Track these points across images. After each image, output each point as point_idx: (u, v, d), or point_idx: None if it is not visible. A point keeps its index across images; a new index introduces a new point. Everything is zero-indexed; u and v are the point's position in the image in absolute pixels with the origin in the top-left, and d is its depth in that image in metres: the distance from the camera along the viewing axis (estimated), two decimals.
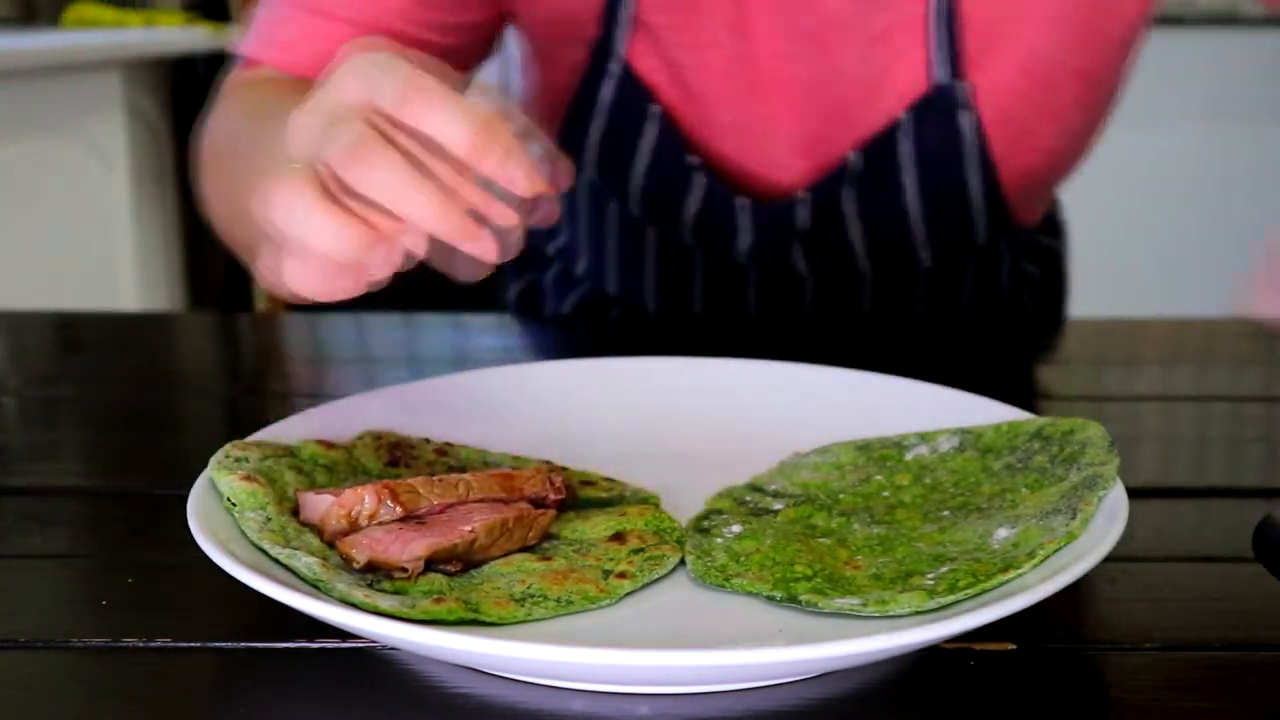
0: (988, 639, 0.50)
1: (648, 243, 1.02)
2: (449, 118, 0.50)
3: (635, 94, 0.91)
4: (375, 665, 0.48)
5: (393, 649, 0.49)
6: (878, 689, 0.47)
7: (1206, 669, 0.49)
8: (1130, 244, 2.70)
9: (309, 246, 0.51)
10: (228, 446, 0.56)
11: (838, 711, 0.46)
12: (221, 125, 0.82)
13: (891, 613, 0.48)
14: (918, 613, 0.48)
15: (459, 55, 0.88)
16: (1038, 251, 1.10)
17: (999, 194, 0.92)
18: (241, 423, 0.79)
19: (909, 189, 0.91)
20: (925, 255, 0.95)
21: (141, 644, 0.50)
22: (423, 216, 0.50)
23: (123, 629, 0.51)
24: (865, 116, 0.90)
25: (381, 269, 0.52)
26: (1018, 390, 0.85)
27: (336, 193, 0.51)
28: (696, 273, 1.01)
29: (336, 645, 0.50)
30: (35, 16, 2.95)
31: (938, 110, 0.88)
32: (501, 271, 1.25)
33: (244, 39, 0.88)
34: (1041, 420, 0.61)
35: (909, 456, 0.62)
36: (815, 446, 0.65)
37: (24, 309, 1.11)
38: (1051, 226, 1.12)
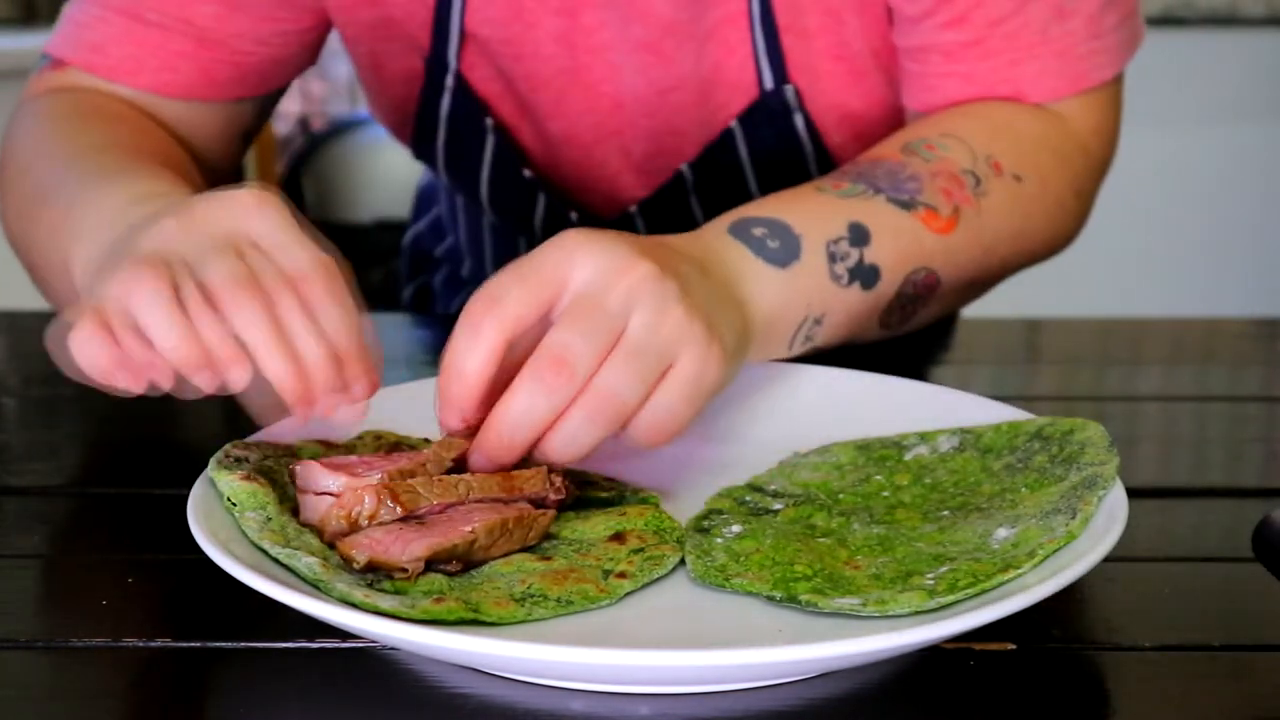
0: (988, 639, 0.50)
1: (520, 247, 1.02)
2: (331, 313, 0.53)
3: (471, 107, 0.90)
4: (375, 665, 0.48)
5: (393, 649, 0.49)
6: (878, 689, 0.47)
7: (1206, 669, 0.49)
8: (1130, 244, 2.70)
9: (147, 336, 0.52)
10: (228, 446, 0.56)
11: (838, 711, 0.46)
12: (25, 143, 0.80)
13: (891, 613, 0.48)
14: (917, 613, 0.48)
15: (277, 65, 0.87)
16: None
17: None
18: (241, 423, 0.79)
19: (754, 193, 0.91)
20: None
21: (141, 644, 0.50)
22: (277, 375, 0.52)
23: (123, 629, 0.51)
24: (701, 121, 0.89)
25: (185, 387, 0.54)
26: (1017, 390, 0.85)
27: (186, 299, 0.53)
28: None
29: (336, 645, 0.50)
30: (35, 17, 2.95)
31: (769, 115, 0.87)
32: (396, 273, 1.27)
33: (52, 37, 0.85)
34: (1041, 420, 0.61)
35: (909, 456, 0.62)
36: (815, 446, 0.64)
37: (24, 309, 1.11)
38: None
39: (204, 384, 0.53)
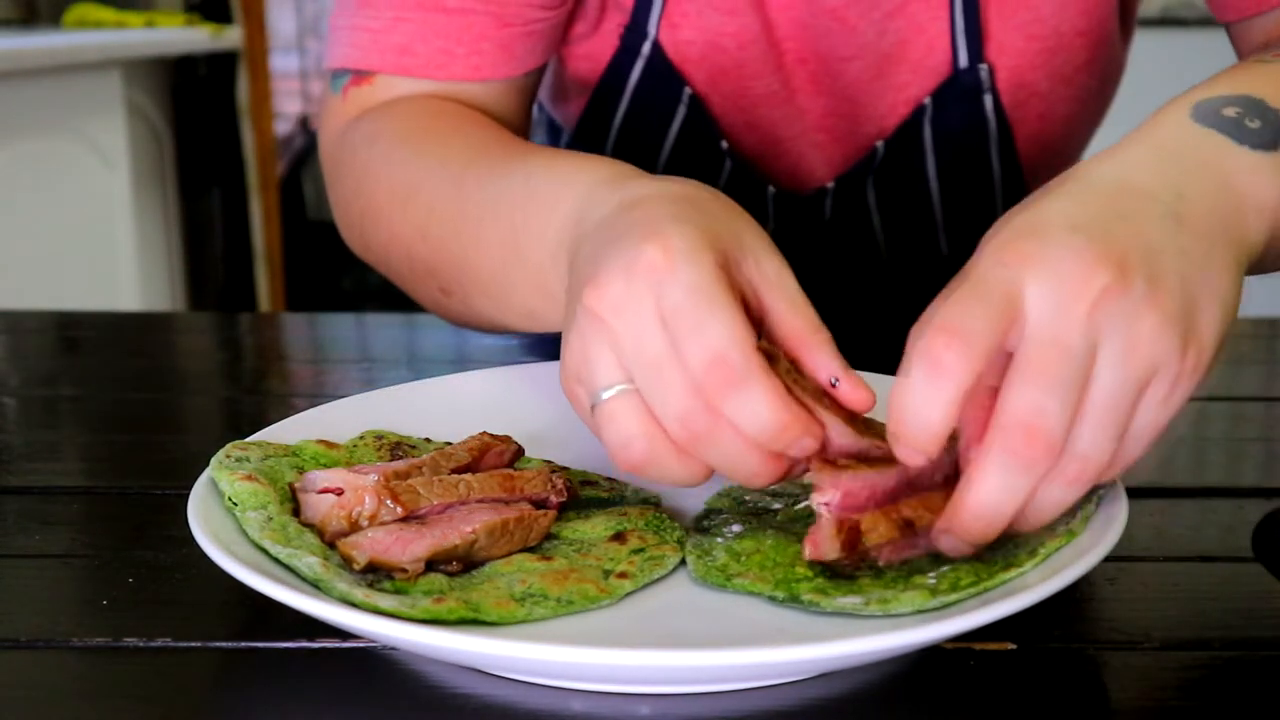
0: (988, 639, 0.50)
1: None
2: (753, 408, 0.49)
3: (666, 75, 0.89)
4: (375, 665, 0.48)
5: (393, 649, 0.49)
6: (878, 689, 0.47)
7: (1206, 669, 0.49)
8: None
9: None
10: (228, 446, 0.56)
11: (838, 711, 0.46)
12: (394, 170, 0.75)
13: (893, 612, 0.48)
14: (919, 612, 0.48)
15: (557, 29, 0.86)
16: None
17: (1018, 173, 0.92)
18: (241, 423, 0.79)
19: (931, 176, 0.91)
20: (944, 242, 0.95)
21: (141, 644, 0.50)
22: (750, 479, 0.51)
23: (123, 629, 0.51)
24: (884, 97, 0.89)
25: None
26: None
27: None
28: None
29: (336, 645, 0.50)
30: (36, 17, 2.95)
31: (960, 95, 0.87)
32: None
33: (335, 51, 0.82)
34: None
35: None
36: None
37: (24, 309, 1.11)
38: None
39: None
